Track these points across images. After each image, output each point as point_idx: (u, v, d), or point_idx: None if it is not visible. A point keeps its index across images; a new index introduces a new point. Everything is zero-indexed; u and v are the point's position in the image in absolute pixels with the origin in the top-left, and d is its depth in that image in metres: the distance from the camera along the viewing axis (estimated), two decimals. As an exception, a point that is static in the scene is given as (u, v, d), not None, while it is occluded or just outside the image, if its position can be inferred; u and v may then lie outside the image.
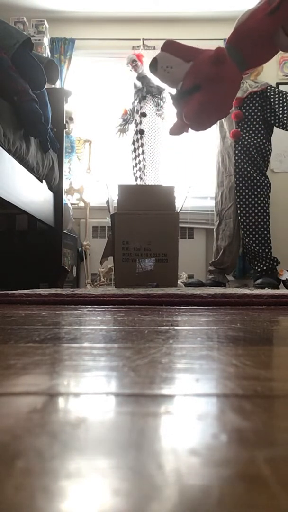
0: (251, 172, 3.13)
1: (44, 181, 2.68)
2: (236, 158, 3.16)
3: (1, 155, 1.95)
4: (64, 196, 3.24)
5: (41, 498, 0.16)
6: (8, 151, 2.03)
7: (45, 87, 2.39)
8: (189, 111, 1.11)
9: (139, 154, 3.71)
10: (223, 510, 0.16)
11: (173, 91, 1.18)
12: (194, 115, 1.11)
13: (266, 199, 3.15)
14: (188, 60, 1.10)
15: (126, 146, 3.86)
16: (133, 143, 3.74)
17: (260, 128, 3.15)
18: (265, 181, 3.16)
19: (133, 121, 3.79)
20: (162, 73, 1.16)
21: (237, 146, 3.16)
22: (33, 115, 2.17)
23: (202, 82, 1.08)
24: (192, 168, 4.15)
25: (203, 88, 1.08)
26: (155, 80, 3.83)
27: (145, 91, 3.72)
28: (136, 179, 3.72)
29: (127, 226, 2.42)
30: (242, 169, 3.14)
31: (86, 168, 4.00)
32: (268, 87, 3.17)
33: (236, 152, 3.16)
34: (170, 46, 1.14)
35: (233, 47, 1.12)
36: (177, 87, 1.14)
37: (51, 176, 2.74)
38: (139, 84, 3.77)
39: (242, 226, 3.15)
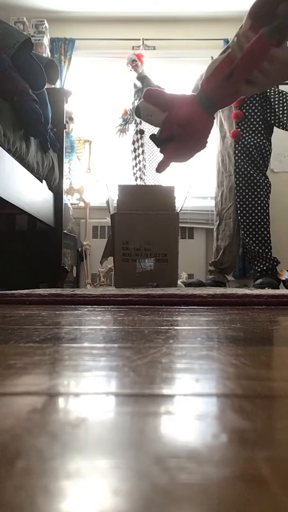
0: (251, 172, 3.13)
1: (44, 181, 2.68)
2: (236, 158, 3.16)
3: (1, 155, 1.95)
4: (64, 196, 3.24)
5: (41, 498, 0.16)
6: (8, 151, 2.03)
7: (45, 87, 2.39)
8: (167, 156, 1.27)
9: (139, 154, 3.71)
10: (223, 510, 0.16)
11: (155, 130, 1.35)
12: (172, 159, 1.29)
13: (266, 199, 3.15)
14: (163, 110, 1.23)
15: (126, 146, 3.86)
16: (133, 143, 3.74)
17: (260, 128, 3.15)
18: (265, 181, 3.15)
19: (133, 121, 3.79)
20: (145, 119, 1.32)
21: (237, 146, 3.16)
22: (33, 115, 2.17)
23: (174, 135, 1.23)
24: (192, 168, 4.14)
25: (176, 139, 1.24)
26: (155, 80, 3.83)
27: (145, 91, 3.72)
28: (136, 179, 3.72)
29: (127, 226, 2.42)
30: (242, 169, 3.14)
31: (86, 168, 4.00)
32: (268, 87, 3.17)
33: (236, 152, 3.16)
34: (149, 96, 1.30)
35: (203, 94, 1.23)
36: (157, 132, 1.30)
37: (51, 176, 2.74)
38: (139, 84, 3.77)
39: (242, 226, 3.15)
